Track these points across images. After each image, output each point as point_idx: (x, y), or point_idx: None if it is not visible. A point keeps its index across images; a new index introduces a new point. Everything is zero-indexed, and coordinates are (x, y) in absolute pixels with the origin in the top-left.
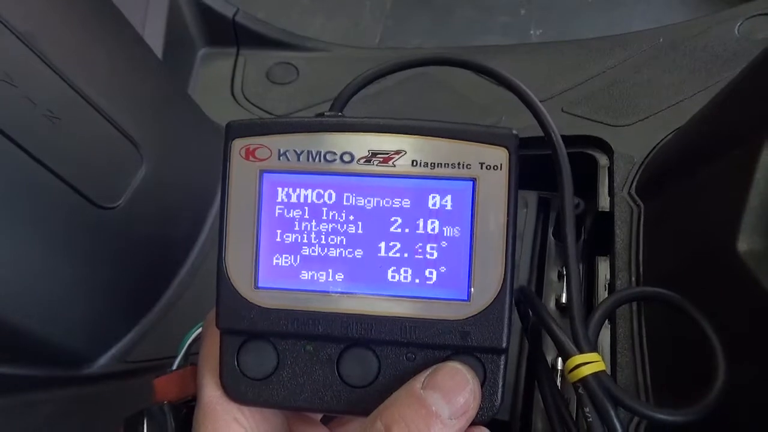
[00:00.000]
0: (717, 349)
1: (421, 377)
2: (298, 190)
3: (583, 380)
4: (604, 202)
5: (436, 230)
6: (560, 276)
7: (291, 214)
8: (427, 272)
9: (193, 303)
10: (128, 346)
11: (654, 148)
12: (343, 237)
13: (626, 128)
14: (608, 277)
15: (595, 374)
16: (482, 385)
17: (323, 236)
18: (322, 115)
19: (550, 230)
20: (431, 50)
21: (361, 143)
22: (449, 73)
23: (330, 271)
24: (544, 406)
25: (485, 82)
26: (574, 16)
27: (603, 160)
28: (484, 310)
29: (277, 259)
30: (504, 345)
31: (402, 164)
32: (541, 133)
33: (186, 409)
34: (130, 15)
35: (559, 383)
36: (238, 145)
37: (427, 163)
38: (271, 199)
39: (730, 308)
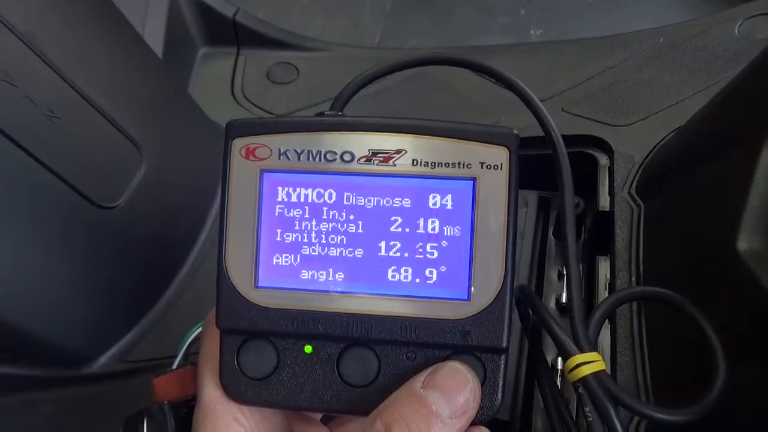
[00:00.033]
0: (717, 349)
1: (422, 377)
2: (298, 189)
3: (583, 380)
4: (604, 202)
5: (437, 230)
6: (560, 275)
7: (291, 214)
8: (427, 272)
9: (193, 303)
10: (128, 345)
11: (654, 147)
12: (343, 236)
13: (626, 128)
14: (608, 276)
15: (595, 374)
16: (482, 384)
17: (323, 236)
18: (322, 114)
19: (551, 230)
20: (431, 50)
21: (362, 143)
22: (449, 72)
23: (330, 270)
24: (544, 405)
25: (485, 81)
26: (574, 16)
27: (603, 159)
28: (484, 309)
29: (277, 258)
30: (504, 344)
31: (402, 164)
32: (541, 133)
33: (186, 409)
34: (130, 15)
35: (559, 383)
36: (239, 144)
37: (428, 163)
38: (272, 199)
39: (730, 308)
